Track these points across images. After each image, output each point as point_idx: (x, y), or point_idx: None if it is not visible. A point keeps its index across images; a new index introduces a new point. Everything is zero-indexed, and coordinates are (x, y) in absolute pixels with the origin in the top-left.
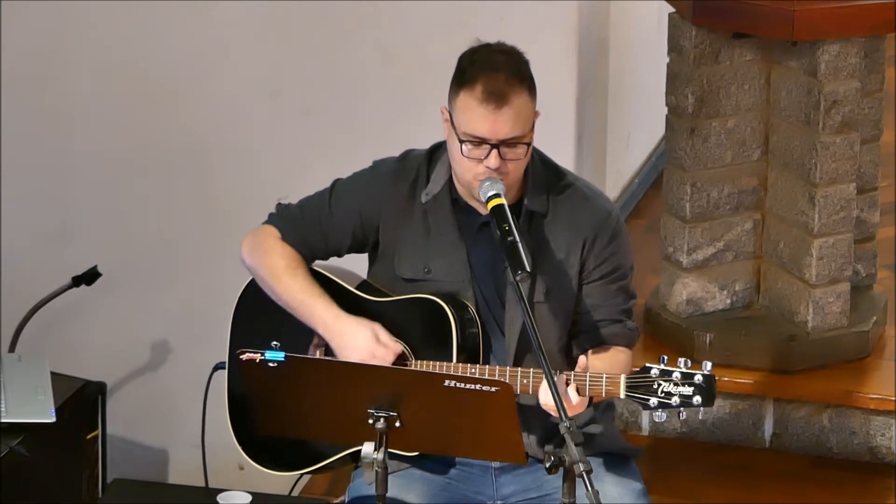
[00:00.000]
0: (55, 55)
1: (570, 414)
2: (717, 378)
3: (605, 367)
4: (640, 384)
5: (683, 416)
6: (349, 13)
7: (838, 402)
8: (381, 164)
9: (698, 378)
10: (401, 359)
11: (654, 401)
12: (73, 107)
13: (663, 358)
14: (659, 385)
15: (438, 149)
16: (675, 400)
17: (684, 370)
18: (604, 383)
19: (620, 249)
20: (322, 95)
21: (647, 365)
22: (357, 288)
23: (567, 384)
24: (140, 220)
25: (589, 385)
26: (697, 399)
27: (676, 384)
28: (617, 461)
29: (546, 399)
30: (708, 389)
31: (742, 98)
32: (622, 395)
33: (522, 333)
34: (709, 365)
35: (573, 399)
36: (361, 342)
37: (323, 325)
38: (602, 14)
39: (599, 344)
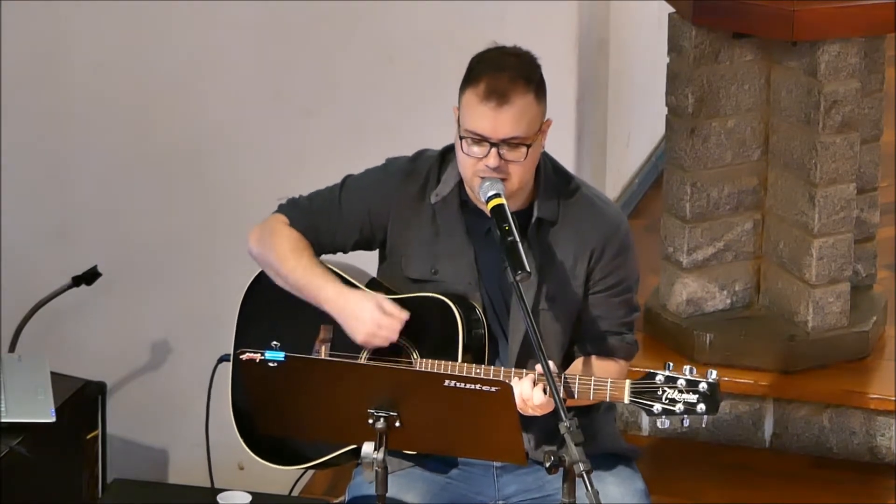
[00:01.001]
0: (55, 55)
1: (533, 414)
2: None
3: (594, 374)
4: (644, 390)
5: (686, 423)
6: (349, 13)
7: (838, 402)
8: (393, 162)
9: (703, 386)
10: (405, 353)
11: (657, 407)
12: (73, 107)
13: (668, 364)
14: (663, 392)
15: (451, 150)
16: (679, 407)
17: (689, 377)
18: (608, 388)
19: (627, 263)
20: (322, 95)
21: (652, 371)
22: (366, 286)
23: (534, 384)
24: (140, 220)
25: (593, 389)
26: (701, 407)
27: (681, 391)
28: (618, 461)
29: (538, 399)
30: (712, 398)
31: (742, 98)
32: (626, 401)
33: (525, 339)
34: (714, 373)
35: (536, 399)
36: (367, 314)
37: (327, 302)
38: (602, 14)
39: (596, 354)
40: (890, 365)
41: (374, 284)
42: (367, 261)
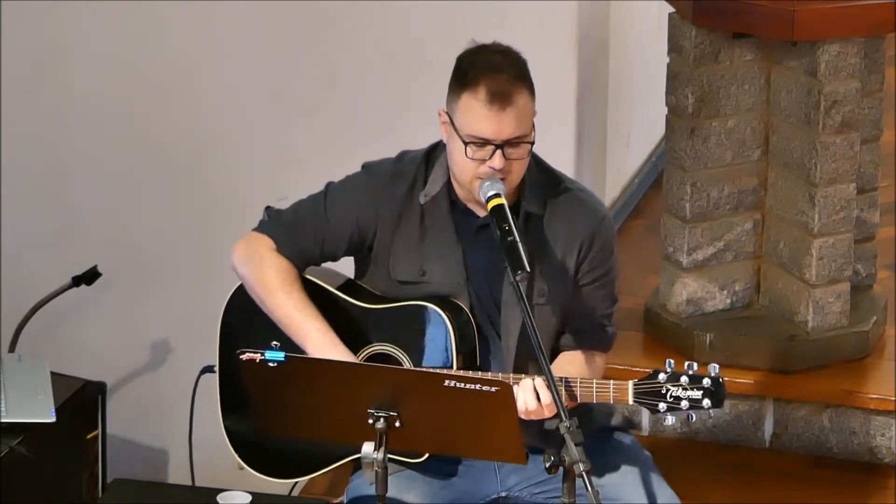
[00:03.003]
0: (55, 55)
1: (531, 418)
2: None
3: (580, 372)
4: (648, 390)
5: (693, 419)
6: (349, 13)
7: (838, 402)
8: (378, 165)
9: (706, 381)
10: (397, 363)
11: (663, 406)
12: (73, 107)
13: (670, 362)
14: (667, 390)
15: (435, 150)
16: (684, 404)
17: (692, 374)
18: (611, 390)
19: (612, 254)
20: (322, 95)
21: (656, 370)
22: (344, 288)
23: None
24: (140, 220)
25: (596, 392)
26: (707, 402)
27: (685, 388)
28: (616, 434)
29: (532, 406)
30: (717, 392)
31: (742, 98)
32: (630, 402)
33: (521, 336)
34: (716, 367)
35: (531, 405)
36: None
37: (311, 347)
38: (602, 14)
39: (580, 347)
40: (890, 365)
41: (350, 287)
42: (346, 263)
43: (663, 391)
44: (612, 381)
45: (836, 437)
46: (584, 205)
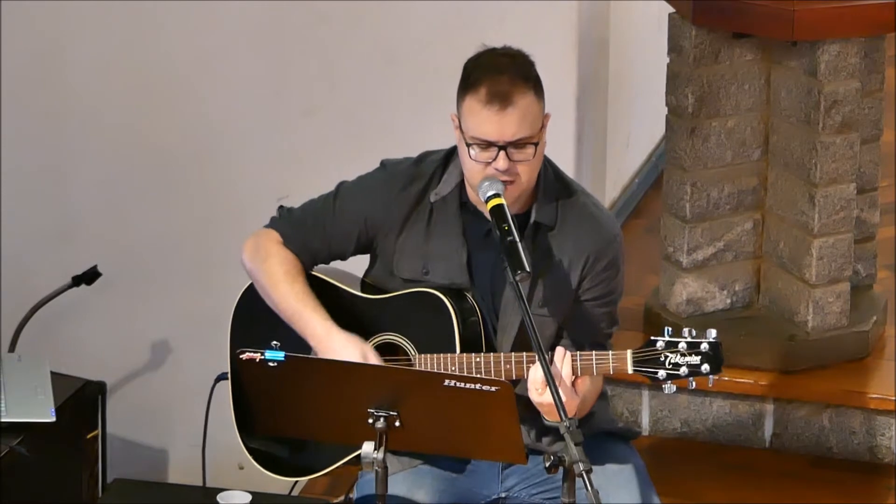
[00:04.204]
0: (55, 55)
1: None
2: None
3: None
4: (647, 358)
5: (693, 385)
6: (349, 13)
7: (838, 402)
8: (395, 166)
9: (704, 346)
10: (402, 351)
11: (662, 373)
12: (73, 107)
13: (667, 329)
14: (666, 357)
15: (455, 151)
16: (683, 370)
17: (690, 339)
18: (610, 361)
19: (617, 275)
20: (322, 95)
21: (652, 338)
22: (352, 285)
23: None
24: (140, 220)
25: (596, 364)
26: (706, 367)
27: (683, 354)
28: (614, 441)
29: (538, 398)
30: (715, 357)
31: (742, 98)
32: (630, 371)
33: (516, 343)
34: (713, 332)
35: (567, 376)
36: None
37: (313, 338)
38: (602, 14)
39: None
40: (890, 365)
41: (363, 286)
42: (357, 263)
43: (662, 358)
44: (610, 353)
45: (836, 437)
46: (597, 221)
